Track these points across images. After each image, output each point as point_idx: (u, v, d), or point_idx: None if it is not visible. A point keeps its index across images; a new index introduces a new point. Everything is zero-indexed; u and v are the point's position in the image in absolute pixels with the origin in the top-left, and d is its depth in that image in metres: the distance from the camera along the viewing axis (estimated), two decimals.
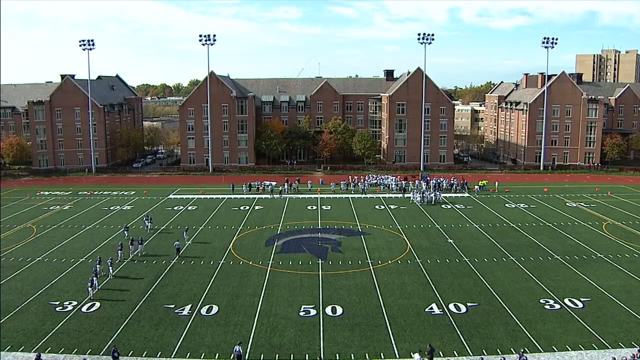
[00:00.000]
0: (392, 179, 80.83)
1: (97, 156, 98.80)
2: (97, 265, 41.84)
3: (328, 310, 35.00)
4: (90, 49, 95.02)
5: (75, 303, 36.23)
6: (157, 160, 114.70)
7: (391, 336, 31.42)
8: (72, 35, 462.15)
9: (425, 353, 28.34)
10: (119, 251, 46.59)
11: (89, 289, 37.32)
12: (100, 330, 32.30)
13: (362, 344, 30.56)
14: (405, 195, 72.69)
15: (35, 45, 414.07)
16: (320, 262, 44.84)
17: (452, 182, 79.03)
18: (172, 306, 35.79)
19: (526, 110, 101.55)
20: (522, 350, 28.47)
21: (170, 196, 74.34)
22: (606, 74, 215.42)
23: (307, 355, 29.35)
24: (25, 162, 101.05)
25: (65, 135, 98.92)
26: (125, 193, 76.80)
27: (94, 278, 38.21)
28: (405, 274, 42.00)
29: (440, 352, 29.44)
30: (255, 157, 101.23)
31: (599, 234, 53.94)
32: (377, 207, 66.83)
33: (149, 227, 55.88)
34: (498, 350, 29.64)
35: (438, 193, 71.03)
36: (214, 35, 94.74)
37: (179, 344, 30.62)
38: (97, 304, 36.02)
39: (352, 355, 29.36)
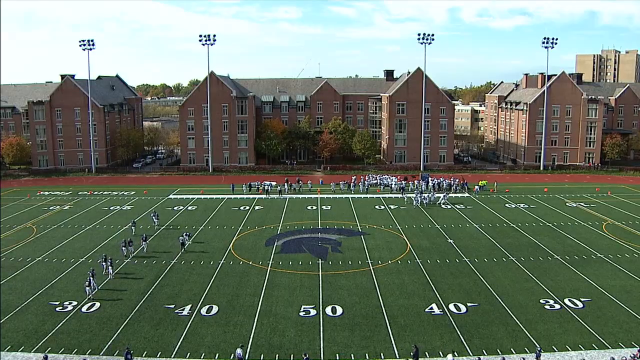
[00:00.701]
0: (393, 179, 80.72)
1: (97, 156, 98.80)
2: (103, 263, 41.98)
3: (328, 310, 35.00)
4: (90, 49, 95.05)
5: (75, 303, 36.24)
6: (157, 161, 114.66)
7: (391, 336, 31.41)
8: (72, 35, 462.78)
9: (411, 354, 28.34)
10: (123, 248, 46.87)
11: (87, 289, 37.30)
12: (100, 330, 32.31)
13: (362, 344, 30.55)
14: (404, 195, 72.18)
15: (35, 45, 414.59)
16: (320, 262, 44.83)
17: (450, 182, 78.89)
18: (172, 306, 35.79)
19: (526, 110, 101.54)
20: (539, 349, 28.49)
21: (170, 196, 74.34)
22: (606, 74, 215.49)
23: (307, 355, 29.30)
24: (25, 162, 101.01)
25: (65, 135, 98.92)
26: (125, 193, 76.80)
27: (91, 278, 38.18)
28: (405, 274, 42.00)
29: (440, 352, 29.44)
30: (255, 157, 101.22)
31: (599, 234, 53.94)
32: (377, 207, 66.82)
33: (156, 223, 57.14)
34: (498, 350, 29.63)
35: (444, 194, 70.42)
36: (214, 35, 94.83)
37: (179, 344, 30.62)
38: (97, 304, 36.02)
39: (352, 355, 29.35)
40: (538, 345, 29.03)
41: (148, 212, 63.58)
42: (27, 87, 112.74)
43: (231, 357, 28.93)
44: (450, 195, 72.46)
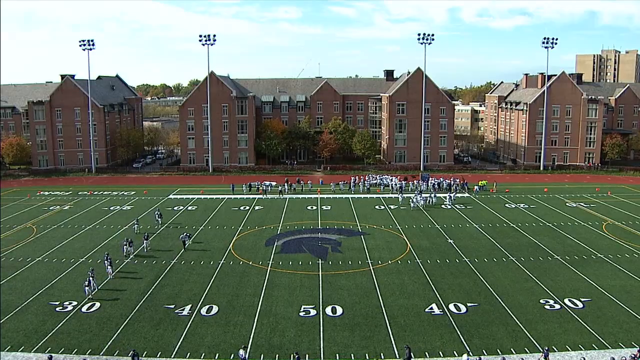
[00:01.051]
0: (394, 180, 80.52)
1: (97, 156, 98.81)
2: (106, 261, 41.92)
3: (328, 310, 34.99)
4: (90, 49, 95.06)
5: (75, 303, 36.24)
6: (157, 161, 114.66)
7: (391, 336, 31.41)
8: (72, 35, 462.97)
9: (404, 359, 28.32)
10: (124, 246, 47.00)
11: (86, 289, 37.25)
12: (100, 330, 32.30)
13: (362, 344, 30.55)
14: (403, 195, 71.03)
15: (35, 45, 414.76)
16: (320, 262, 44.83)
17: (450, 182, 78.76)
18: (172, 306, 35.78)
19: (526, 110, 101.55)
20: (546, 348, 28.53)
21: (171, 196, 74.34)
22: (606, 74, 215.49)
23: (307, 355, 29.35)
24: (25, 162, 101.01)
25: (65, 135, 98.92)
26: (125, 193, 76.80)
27: (91, 279, 38.15)
28: (405, 274, 41.99)
29: (440, 352, 29.46)
30: (255, 157, 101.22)
31: (599, 234, 53.93)
32: (377, 207, 66.81)
33: (159, 221, 57.86)
34: (498, 350, 29.62)
35: (450, 195, 69.86)
36: (214, 35, 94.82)
37: (179, 344, 30.62)
38: (97, 304, 36.01)
39: (352, 355, 29.35)
40: (545, 347, 28.90)
41: (148, 212, 63.65)
42: (27, 87, 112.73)
43: (231, 358, 28.93)
44: (456, 195, 72.09)
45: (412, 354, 28.17)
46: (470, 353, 29.01)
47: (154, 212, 61.01)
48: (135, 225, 55.50)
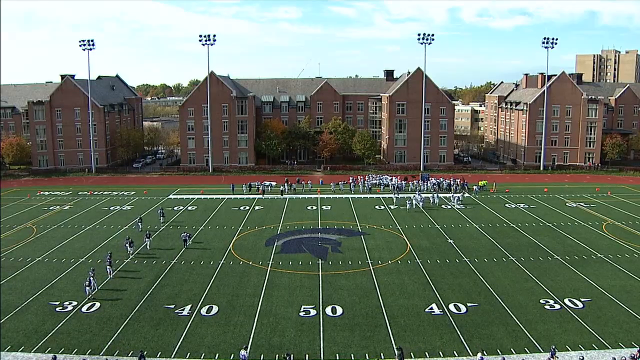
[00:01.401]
0: (395, 180, 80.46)
1: (97, 156, 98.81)
2: (108, 259, 42.04)
3: (328, 310, 34.99)
4: (90, 49, 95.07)
5: (75, 303, 36.23)
6: (157, 161, 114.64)
7: (391, 336, 31.41)
8: (72, 35, 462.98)
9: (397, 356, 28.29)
10: (126, 245, 47.14)
11: (87, 289, 37.26)
12: (100, 330, 32.30)
13: (362, 344, 30.55)
14: (398, 195, 70.55)
15: (35, 45, 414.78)
16: (320, 262, 44.82)
17: (450, 182, 78.74)
18: (172, 306, 35.78)
19: (526, 110, 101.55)
20: (553, 347, 28.56)
21: (171, 196, 74.34)
22: (606, 74, 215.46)
23: (307, 355, 29.36)
24: (25, 162, 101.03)
25: (65, 135, 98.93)
26: (125, 193, 76.80)
27: (92, 278, 38.13)
28: (405, 274, 41.99)
29: (440, 352, 29.46)
30: (255, 157, 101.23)
31: (599, 234, 53.93)
32: (377, 207, 66.81)
33: (161, 221, 58.31)
34: (498, 350, 29.62)
35: (458, 195, 69.95)
36: (214, 35, 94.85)
37: (179, 344, 30.61)
38: (97, 304, 36.00)
39: (352, 355, 29.34)
40: (552, 345, 28.90)
41: (148, 212, 63.67)
42: (27, 87, 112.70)
43: (231, 358, 28.93)
44: (464, 195, 71.90)
45: (409, 354, 28.16)
46: (485, 352, 28.87)
47: (156, 211, 61.47)
48: (139, 224, 55.68)
